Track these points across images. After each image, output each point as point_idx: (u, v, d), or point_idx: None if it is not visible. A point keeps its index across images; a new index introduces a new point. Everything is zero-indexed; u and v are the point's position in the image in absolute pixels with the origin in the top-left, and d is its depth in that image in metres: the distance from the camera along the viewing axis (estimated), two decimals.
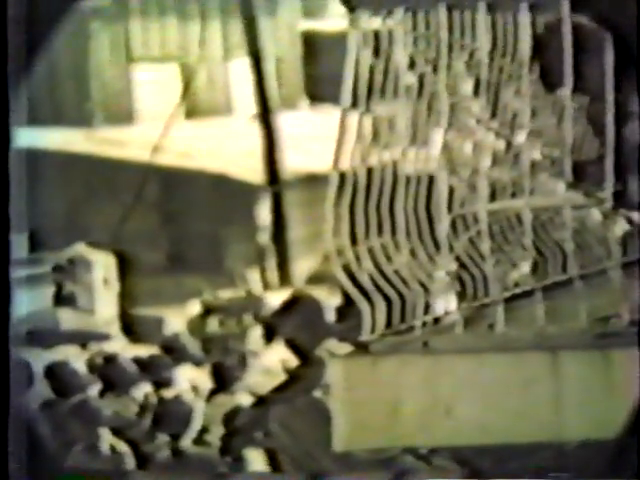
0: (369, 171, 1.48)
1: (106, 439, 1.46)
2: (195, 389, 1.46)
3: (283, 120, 1.47)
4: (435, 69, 1.50)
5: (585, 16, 1.49)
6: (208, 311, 1.46)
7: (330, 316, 1.47)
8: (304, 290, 1.48)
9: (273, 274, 1.48)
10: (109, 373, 1.45)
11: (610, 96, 1.50)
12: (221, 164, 1.46)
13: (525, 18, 1.50)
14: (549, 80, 1.51)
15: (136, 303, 1.45)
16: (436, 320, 1.50)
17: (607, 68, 1.51)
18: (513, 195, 1.51)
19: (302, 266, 1.48)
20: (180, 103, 1.45)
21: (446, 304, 1.49)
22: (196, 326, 1.46)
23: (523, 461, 1.48)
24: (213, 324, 1.47)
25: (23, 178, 1.44)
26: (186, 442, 1.46)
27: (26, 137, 1.45)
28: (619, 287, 1.50)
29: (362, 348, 1.48)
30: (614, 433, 1.47)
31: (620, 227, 1.52)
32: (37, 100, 1.46)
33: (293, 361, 1.47)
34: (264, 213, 1.47)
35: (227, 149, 1.46)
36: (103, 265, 1.45)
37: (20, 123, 1.45)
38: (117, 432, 1.45)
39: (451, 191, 1.50)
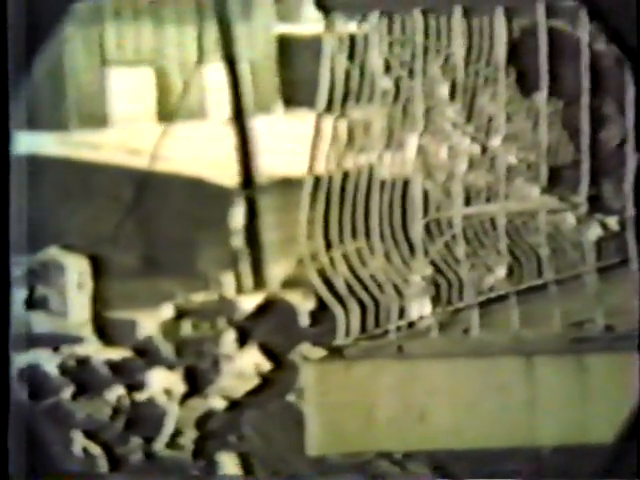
0: (344, 175, 1.48)
1: (79, 442, 1.47)
2: (168, 392, 1.45)
3: (258, 124, 1.47)
4: (411, 73, 1.50)
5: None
6: (181, 314, 1.46)
7: (304, 320, 1.47)
8: (278, 294, 1.47)
9: (247, 278, 1.47)
10: (82, 376, 1.45)
11: (585, 100, 1.52)
12: (196, 168, 1.47)
13: (501, 22, 1.50)
14: (525, 84, 1.51)
15: (109, 306, 1.45)
16: (411, 325, 1.50)
17: (583, 72, 1.52)
18: (488, 199, 1.51)
19: (276, 270, 1.48)
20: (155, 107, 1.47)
21: (421, 309, 1.50)
22: (169, 329, 1.46)
23: (497, 466, 1.48)
24: (186, 327, 1.47)
25: None
26: (159, 445, 1.46)
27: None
28: (594, 292, 1.51)
29: (336, 352, 1.48)
30: (588, 438, 1.49)
31: (595, 232, 1.51)
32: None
33: (266, 365, 1.47)
34: (238, 217, 1.47)
35: (202, 153, 1.47)
36: (76, 268, 1.45)
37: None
38: (90, 435, 1.46)
39: (426, 195, 1.50)
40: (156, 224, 1.46)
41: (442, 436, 1.48)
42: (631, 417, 1.47)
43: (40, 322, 1.45)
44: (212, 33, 1.46)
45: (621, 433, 1.47)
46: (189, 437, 1.46)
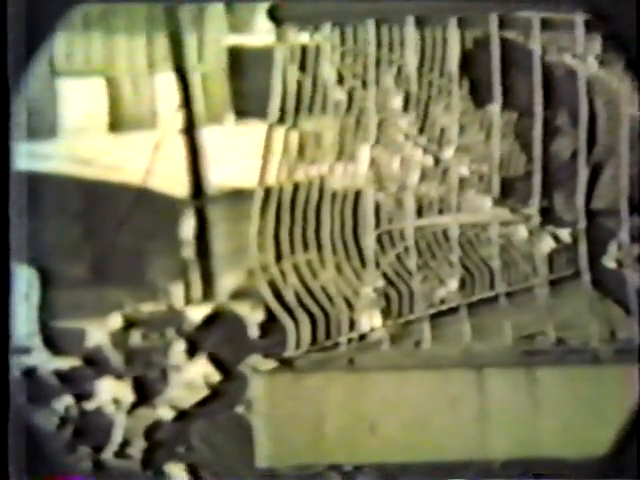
0: (295, 186, 1.48)
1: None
2: (116, 402, 1.45)
3: (208, 135, 1.47)
4: (364, 84, 1.50)
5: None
6: (130, 324, 1.46)
7: (253, 332, 1.47)
8: (227, 305, 1.47)
9: (196, 288, 1.47)
10: (30, 385, 1.46)
11: (538, 112, 1.51)
12: (146, 178, 1.47)
13: (454, 33, 1.49)
14: (478, 96, 1.50)
15: (58, 316, 1.45)
16: (362, 337, 1.50)
17: (535, 84, 1.52)
18: (440, 211, 1.51)
19: (226, 281, 1.48)
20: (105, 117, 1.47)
21: (371, 321, 1.50)
22: (118, 339, 1.46)
23: (448, 478, 1.48)
24: (135, 337, 1.47)
25: None
26: (107, 455, 1.46)
27: None
28: (545, 305, 1.50)
29: (286, 364, 1.48)
30: (539, 451, 1.48)
31: (546, 244, 1.51)
32: None
33: (215, 376, 1.46)
34: (188, 227, 1.47)
35: (152, 163, 1.47)
36: (24, 279, 1.46)
37: None
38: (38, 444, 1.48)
39: (378, 207, 1.49)
40: (105, 234, 1.46)
41: (393, 449, 1.47)
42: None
43: None
44: (163, 43, 1.46)
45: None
46: (137, 447, 1.46)
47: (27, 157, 1.44)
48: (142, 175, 1.46)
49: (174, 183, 1.46)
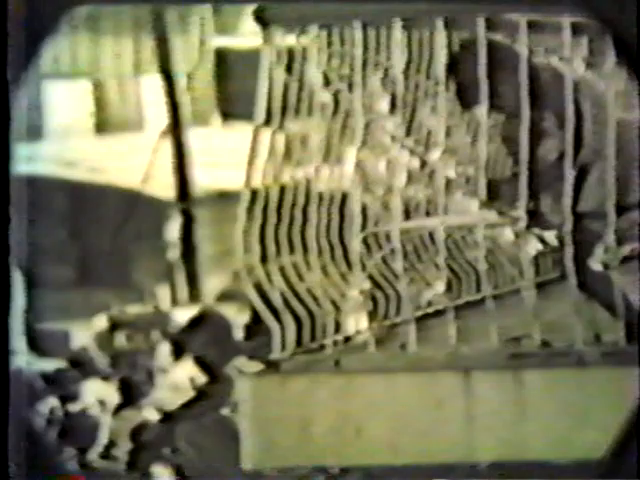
0: (281, 189, 1.48)
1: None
2: (102, 403, 1.46)
3: (195, 136, 1.47)
4: (350, 87, 1.50)
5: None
6: (116, 326, 1.46)
7: (239, 334, 1.47)
8: (213, 307, 1.47)
9: (182, 290, 1.47)
10: (14, 387, 1.46)
11: (525, 114, 1.51)
12: (131, 180, 1.47)
13: (441, 35, 1.49)
14: (465, 98, 1.50)
15: (43, 317, 1.46)
16: (347, 339, 1.50)
17: (522, 86, 1.51)
18: (427, 213, 1.51)
19: (212, 283, 1.48)
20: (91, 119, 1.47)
21: (358, 323, 1.50)
22: (104, 341, 1.46)
23: None
24: (121, 339, 1.47)
25: None
26: (93, 456, 1.47)
27: None
28: (531, 307, 1.50)
29: (272, 366, 1.48)
30: (525, 454, 1.47)
31: (533, 247, 1.50)
32: None
33: (201, 378, 1.46)
34: (174, 229, 1.46)
35: (138, 165, 1.47)
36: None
37: None
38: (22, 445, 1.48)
39: (364, 209, 1.49)
40: (91, 235, 1.46)
41: (379, 451, 1.47)
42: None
43: None
44: (149, 45, 1.46)
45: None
46: (123, 449, 1.46)
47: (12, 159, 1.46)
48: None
49: (160, 185, 1.47)
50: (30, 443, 1.42)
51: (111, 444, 1.45)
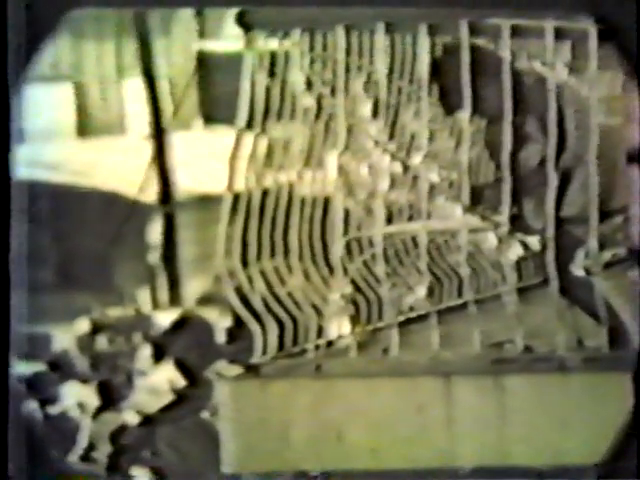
0: (263, 193, 1.48)
1: None
2: (81, 406, 1.46)
3: (177, 140, 1.47)
4: (333, 91, 1.50)
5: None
6: (97, 329, 1.46)
7: (220, 337, 1.47)
8: (194, 310, 1.47)
9: (163, 294, 1.47)
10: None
11: (508, 119, 1.50)
12: (114, 183, 1.47)
13: (424, 40, 1.49)
14: (448, 102, 1.50)
15: (24, 320, 1.46)
16: (329, 343, 1.50)
17: (505, 91, 1.51)
18: (410, 218, 1.51)
19: (193, 286, 1.47)
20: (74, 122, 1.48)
21: (339, 327, 1.50)
22: (85, 344, 1.47)
23: None
24: (102, 342, 1.47)
25: None
26: (73, 458, 1.47)
27: None
28: (513, 312, 1.50)
29: (253, 370, 1.48)
30: (506, 459, 1.47)
31: (515, 251, 1.50)
32: None
33: (181, 381, 1.46)
34: (155, 232, 1.46)
35: (120, 168, 1.47)
36: None
37: None
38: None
39: (347, 214, 1.49)
40: (73, 238, 1.46)
41: (359, 456, 1.47)
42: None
43: None
44: (131, 48, 1.46)
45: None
46: (103, 451, 1.45)
47: None
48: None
49: (142, 188, 1.47)
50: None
51: (91, 447, 1.45)
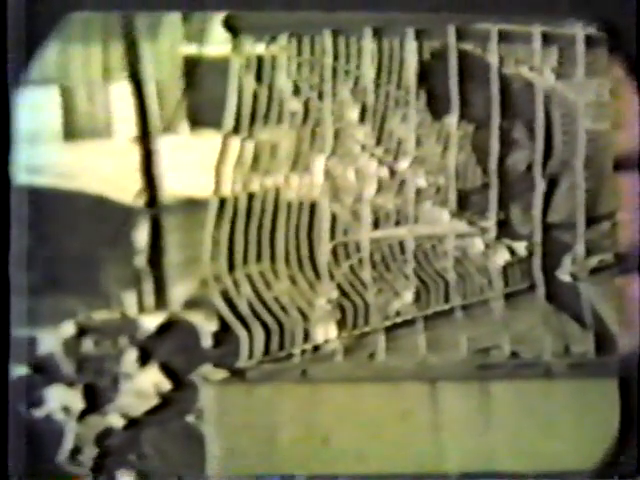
0: (250, 197, 1.48)
1: None
2: (66, 409, 1.46)
3: (163, 144, 1.47)
4: (320, 95, 1.50)
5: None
6: (83, 332, 1.47)
7: (206, 341, 1.47)
8: (180, 314, 1.47)
9: (149, 297, 1.47)
10: None
11: (495, 124, 1.50)
12: (100, 186, 1.47)
13: (411, 44, 1.49)
14: (435, 107, 1.50)
15: (10, 323, 1.47)
16: (316, 348, 1.50)
17: (493, 96, 1.51)
18: (397, 223, 1.51)
19: (179, 290, 1.47)
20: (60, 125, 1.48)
21: (326, 332, 1.49)
22: (71, 347, 1.47)
23: None
24: (88, 345, 1.47)
25: None
26: (58, 461, 1.45)
27: None
28: (500, 318, 1.49)
29: (239, 374, 1.48)
30: (492, 464, 1.47)
31: (502, 257, 1.50)
32: None
33: (166, 385, 1.46)
34: (142, 236, 1.46)
35: (107, 171, 1.47)
36: None
37: None
38: None
39: (334, 218, 1.49)
40: (59, 241, 1.46)
41: (345, 461, 1.46)
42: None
43: None
44: (118, 52, 1.46)
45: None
46: (88, 454, 1.46)
47: None
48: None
49: (129, 192, 1.47)
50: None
51: (76, 450, 1.45)
